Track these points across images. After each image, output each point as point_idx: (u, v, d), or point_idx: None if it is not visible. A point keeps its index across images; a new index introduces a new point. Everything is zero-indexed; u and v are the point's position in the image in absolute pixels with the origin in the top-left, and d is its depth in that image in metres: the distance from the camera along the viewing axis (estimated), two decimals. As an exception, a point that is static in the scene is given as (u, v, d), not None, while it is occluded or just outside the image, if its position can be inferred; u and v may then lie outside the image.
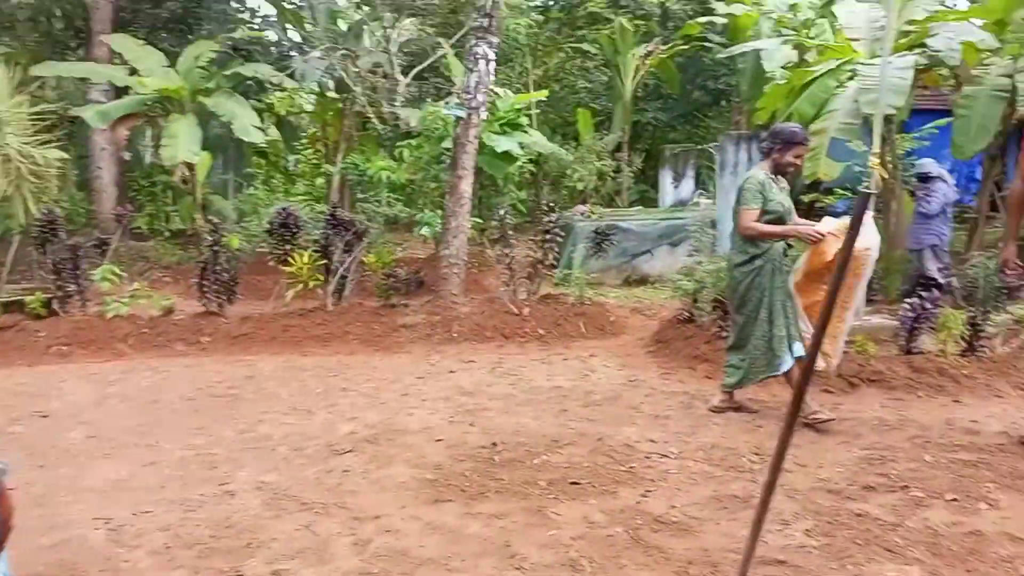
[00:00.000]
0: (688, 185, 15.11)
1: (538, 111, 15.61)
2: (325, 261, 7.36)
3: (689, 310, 6.66)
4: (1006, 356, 5.45)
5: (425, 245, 11.32)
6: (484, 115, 7.71)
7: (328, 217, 7.57)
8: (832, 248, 4.18)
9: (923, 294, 5.45)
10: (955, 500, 3.31)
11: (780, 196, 4.51)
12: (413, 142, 10.16)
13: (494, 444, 4.16)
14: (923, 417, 4.53)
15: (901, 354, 5.47)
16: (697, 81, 16.89)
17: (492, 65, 7.24)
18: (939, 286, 7.75)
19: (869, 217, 4.17)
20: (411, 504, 3.41)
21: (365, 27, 12.41)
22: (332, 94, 12.93)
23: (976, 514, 3.18)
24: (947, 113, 8.60)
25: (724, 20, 12.92)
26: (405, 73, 12.94)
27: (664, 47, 14.48)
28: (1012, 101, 7.32)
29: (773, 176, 4.54)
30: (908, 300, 5.54)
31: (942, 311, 5.53)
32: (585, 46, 14.92)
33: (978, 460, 3.77)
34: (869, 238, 4.11)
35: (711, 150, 13.49)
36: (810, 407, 4.30)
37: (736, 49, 11.15)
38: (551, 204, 7.45)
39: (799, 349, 4.44)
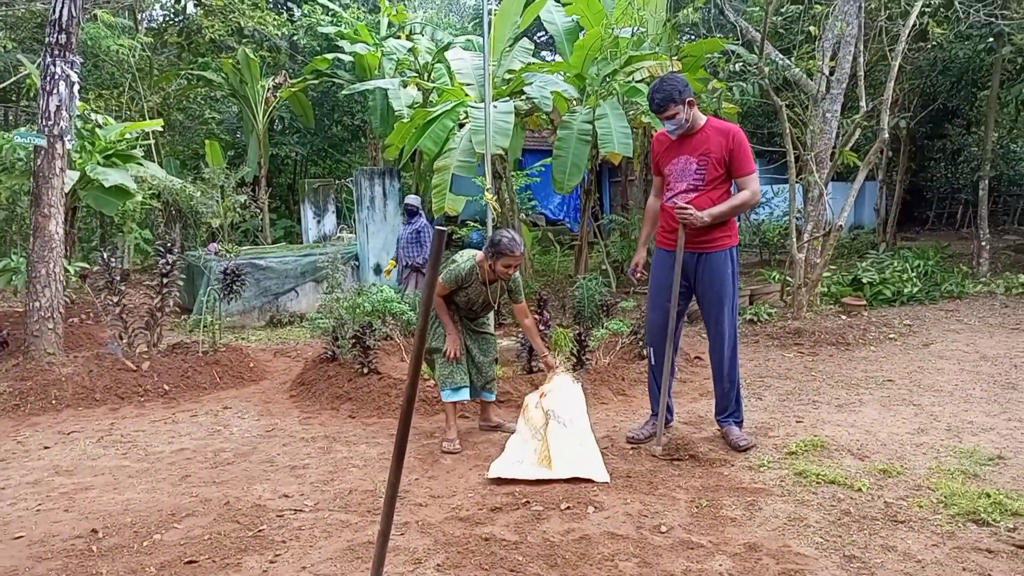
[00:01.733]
0: (331, 220, 15.00)
1: (164, 142, 14.27)
2: None
3: (331, 348, 6.49)
4: (607, 366, 6.20)
5: (20, 297, 9.51)
6: (72, 143, 6.69)
7: None
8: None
9: (536, 316, 5.96)
10: (568, 508, 3.59)
11: (476, 289, 4.70)
12: (-11, 175, 8.51)
13: (93, 531, 3.51)
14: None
15: (524, 373, 5.93)
16: (334, 116, 16.95)
17: (76, 87, 6.31)
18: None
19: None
20: (-34, 634, 2.68)
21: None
22: None
23: (585, 518, 3.48)
24: (552, 153, 9.72)
25: (350, 58, 13.16)
26: (-19, 93, 10.84)
27: (293, 80, 14.27)
28: (595, 143, 8.51)
29: (482, 270, 4.67)
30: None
31: (553, 330, 6.10)
32: (209, 74, 14.01)
33: (587, 465, 4.15)
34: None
35: (350, 184, 13.57)
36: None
37: (359, 87, 11.40)
38: (168, 244, 6.70)
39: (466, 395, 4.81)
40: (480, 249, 4.85)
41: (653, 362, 4.59)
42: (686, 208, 4.20)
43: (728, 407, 4.51)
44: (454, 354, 4.68)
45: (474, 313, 4.89)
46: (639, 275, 4.68)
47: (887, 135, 8.02)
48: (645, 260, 4.72)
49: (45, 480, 4.31)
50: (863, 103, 8.00)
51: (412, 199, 8.80)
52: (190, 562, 3.16)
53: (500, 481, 4.00)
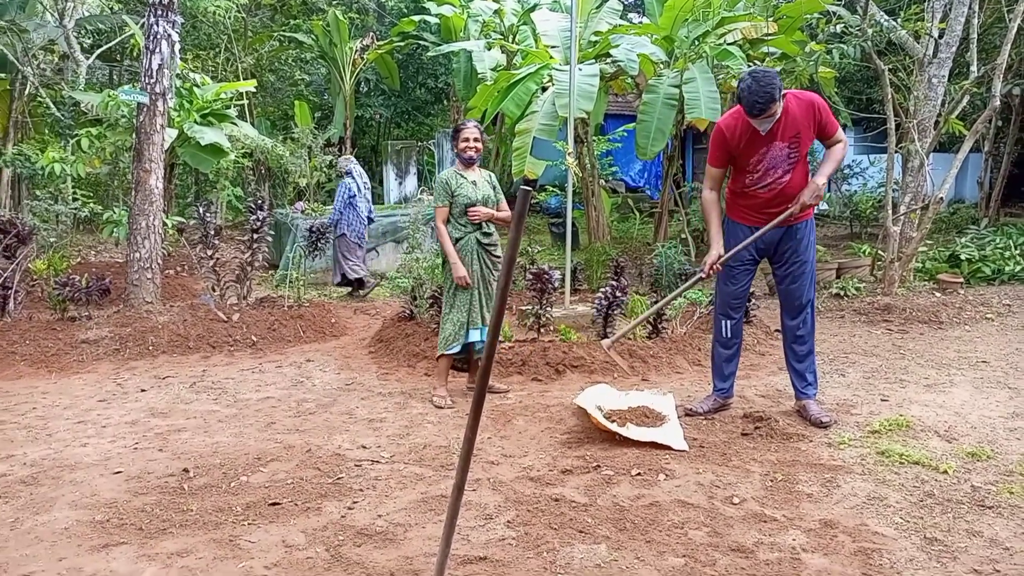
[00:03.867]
0: (412, 181, 15.20)
1: (256, 103, 14.70)
2: (-22, 270, 6.19)
3: (409, 307, 6.63)
4: (683, 336, 6.12)
5: (120, 248, 10.09)
6: (172, 102, 6.98)
7: (-21, 217, 6.37)
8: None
9: (613, 283, 5.92)
10: (639, 475, 3.59)
11: (467, 189, 4.80)
12: (94, 131, 8.95)
13: (185, 470, 3.73)
14: (616, 397, 4.89)
15: (599, 339, 5.91)
16: (418, 78, 17.06)
17: (177, 46, 6.56)
18: (358, 282, 8.73)
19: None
20: (72, 554, 2.90)
21: (33, -3, 10.69)
22: (-5, 72, 10.99)
23: (655, 485, 3.47)
24: (635, 118, 9.53)
25: (436, 20, 13.15)
26: (89, 53, 11.39)
27: (380, 42, 14.39)
28: (681, 108, 8.28)
29: (462, 171, 4.87)
30: (601, 289, 5.98)
31: (630, 298, 6.04)
32: (300, 36, 14.30)
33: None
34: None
35: (431, 147, 13.69)
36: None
37: (444, 48, 11.39)
38: (259, 201, 6.93)
39: (476, 336, 4.85)
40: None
41: (726, 335, 4.49)
42: (805, 196, 4.05)
43: (805, 381, 4.39)
44: (464, 283, 4.73)
45: (479, 222, 4.84)
46: (714, 270, 4.27)
47: (998, 103, 7.50)
48: (717, 259, 4.22)
49: (142, 421, 4.59)
50: (974, 68, 7.50)
51: (343, 160, 9.14)
52: (274, 504, 3.32)
53: (571, 442, 4.03)
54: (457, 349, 4.87)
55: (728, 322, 4.49)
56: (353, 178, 8.95)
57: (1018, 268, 8.68)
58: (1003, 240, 9.26)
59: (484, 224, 4.88)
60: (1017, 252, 8.93)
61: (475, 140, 4.82)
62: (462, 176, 4.83)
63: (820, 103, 4.07)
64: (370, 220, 9.16)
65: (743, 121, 4.03)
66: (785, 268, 4.32)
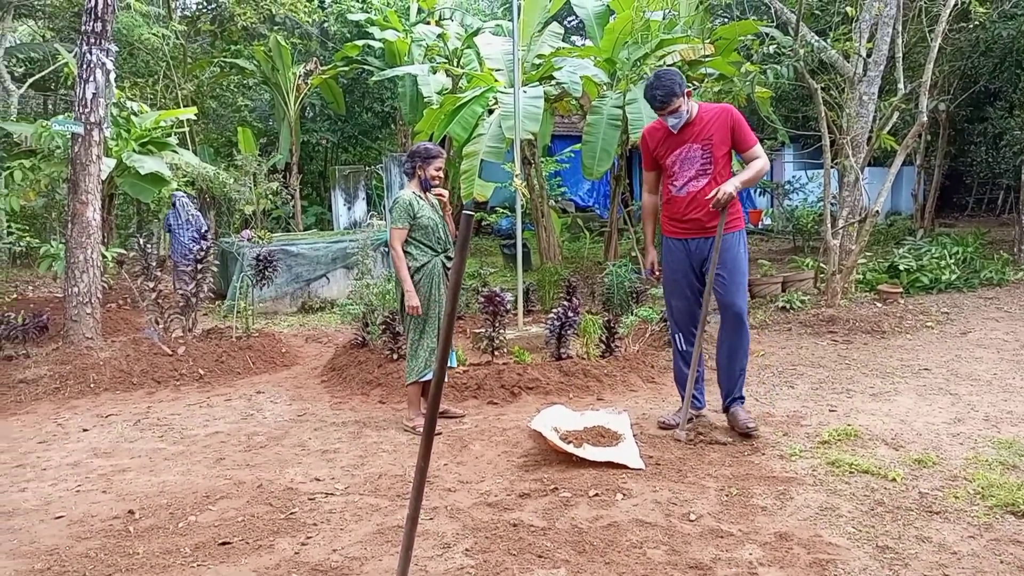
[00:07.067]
0: (361, 206, 15.10)
1: (198, 130, 14.46)
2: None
3: (361, 334, 6.56)
4: (636, 353, 6.17)
5: (59, 282, 9.75)
6: (109, 131, 6.80)
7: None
8: None
9: (565, 303, 5.95)
10: (597, 495, 3.59)
11: (428, 211, 4.79)
12: (27, 163, 8.68)
13: (130, 512, 3.59)
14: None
15: (553, 360, 5.92)
16: (364, 103, 17.02)
17: (112, 75, 6.41)
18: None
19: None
20: (10, 609, 2.76)
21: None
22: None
23: (613, 505, 3.47)
24: (581, 139, 9.65)
25: (380, 44, 13.17)
26: (21, 82, 11.07)
27: (324, 67, 14.33)
28: (625, 128, 8.42)
29: (421, 193, 4.83)
30: (554, 310, 6.00)
31: (582, 317, 6.07)
32: (242, 62, 14.13)
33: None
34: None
35: (380, 171, 13.64)
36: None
37: (388, 73, 11.41)
38: (204, 230, 6.79)
39: (454, 361, 4.70)
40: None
41: (683, 347, 4.56)
42: (716, 195, 4.16)
43: (734, 391, 4.49)
44: (416, 312, 4.67)
45: (443, 243, 4.85)
46: (656, 274, 4.72)
47: (926, 118, 7.82)
48: (656, 259, 4.74)
49: (84, 462, 4.42)
50: (901, 85, 7.80)
51: (177, 193, 9.92)
52: (224, 543, 3.22)
53: (529, 465, 4.01)
54: (430, 376, 4.79)
55: (680, 335, 4.56)
56: (175, 210, 9.83)
57: (954, 277, 9.02)
58: (939, 250, 9.61)
59: (449, 247, 4.87)
60: (952, 261, 9.28)
61: (441, 169, 4.85)
62: (421, 199, 4.81)
63: (734, 112, 4.31)
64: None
65: (663, 125, 4.40)
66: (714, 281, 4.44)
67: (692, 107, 4.31)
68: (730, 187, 4.14)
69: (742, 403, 4.52)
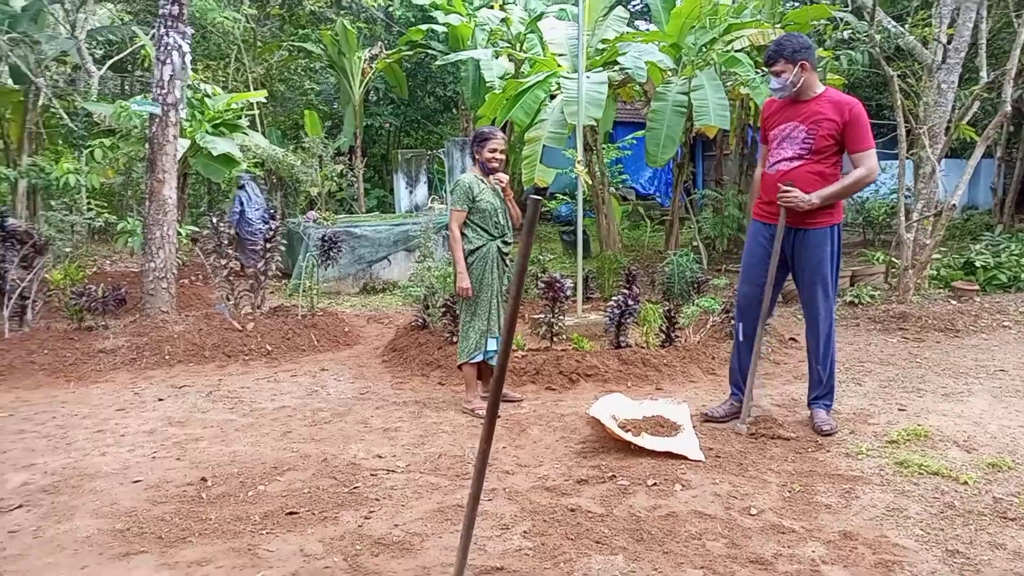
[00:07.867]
0: (422, 190, 15.23)
1: (266, 112, 14.80)
2: (-5, 281, 6.24)
3: (422, 316, 6.65)
4: (697, 344, 6.11)
5: (136, 257, 10.16)
6: (184, 112, 7.03)
7: (-8, 228, 6.42)
8: None
9: (625, 291, 5.91)
10: (655, 485, 3.58)
11: (489, 195, 4.80)
12: (107, 141, 9.02)
13: (203, 479, 3.75)
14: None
15: (612, 348, 5.90)
16: (427, 87, 17.13)
17: (188, 57, 6.61)
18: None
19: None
20: (94, 562, 2.92)
21: (44, 9, 10.78)
22: (10, 84, 11.09)
23: (672, 496, 3.46)
24: (644, 125, 9.54)
25: (444, 29, 13.21)
26: (101, 64, 11.49)
27: (388, 51, 14.47)
28: (690, 115, 8.28)
29: (482, 177, 4.84)
30: (614, 298, 5.98)
31: (642, 306, 6.03)
32: (309, 46, 14.38)
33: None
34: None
35: (441, 155, 13.74)
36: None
37: (452, 57, 11.44)
38: (272, 211, 6.98)
39: (492, 345, 4.81)
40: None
41: (741, 338, 4.48)
42: (789, 191, 4.06)
43: (820, 391, 4.37)
44: (465, 294, 4.70)
45: (501, 228, 4.85)
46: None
47: (1009, 108, 7.47)
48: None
49: (159, 430, 4.61)
50: (983, 73, 7.48)
51: (245, 176, 10.26)
52: (291, 513, 3.33)
53: (586, 452, 4.02)
54: (480, 358, 4.84)
55: (741, 324, 4.48)
56: (246, 191, 10.28)
57: (1034, 275, 8.63)
58: (1019, 247, 9.21)
59: (507, 232, 4.89)
60: (1033, 259, 8.87)
61: (501, 152, 4.84)
62: (483, 182, 4.83)
63: (856, 108, 4.10)
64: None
65: (781, 100, 4.27)
66: (798, 275, 4.33)
67: (811, 83, 4.13)
68: (812, 197, 4.02)
69: (827, 408, 4.38)
